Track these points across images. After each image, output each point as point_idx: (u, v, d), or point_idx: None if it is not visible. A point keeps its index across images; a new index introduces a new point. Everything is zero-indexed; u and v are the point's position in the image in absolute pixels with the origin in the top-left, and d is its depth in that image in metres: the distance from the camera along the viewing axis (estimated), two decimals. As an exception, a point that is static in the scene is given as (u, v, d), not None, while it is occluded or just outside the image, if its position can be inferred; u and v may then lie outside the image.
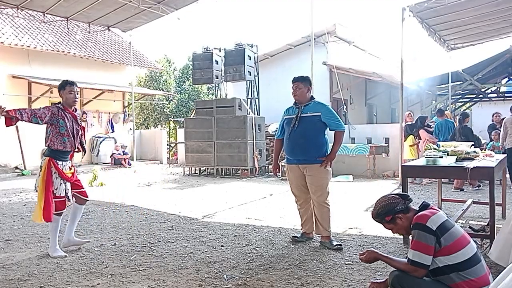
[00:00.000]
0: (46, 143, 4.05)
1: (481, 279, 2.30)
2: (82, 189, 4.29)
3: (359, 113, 16.68)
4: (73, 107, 4.18)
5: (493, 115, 10.22)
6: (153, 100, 21.40)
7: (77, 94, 4.18)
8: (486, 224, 4.59)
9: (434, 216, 2.39)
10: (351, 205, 6.61)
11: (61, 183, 4.03)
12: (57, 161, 4.02)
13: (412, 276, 2.37)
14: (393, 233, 2.66)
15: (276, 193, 8.08)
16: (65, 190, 4.07)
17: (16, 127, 12.83)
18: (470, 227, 4.50)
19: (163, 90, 22.08)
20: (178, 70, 26.19)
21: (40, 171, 4.04)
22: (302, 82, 4.36)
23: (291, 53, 15.19)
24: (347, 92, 15.04)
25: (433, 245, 2.32)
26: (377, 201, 2.64)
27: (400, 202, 2.53)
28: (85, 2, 9.43)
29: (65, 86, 4.09)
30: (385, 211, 2.54)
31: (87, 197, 4.37)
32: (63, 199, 4.04)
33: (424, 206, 2.52)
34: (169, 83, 24.19)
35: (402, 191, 4.34)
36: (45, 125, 4.04)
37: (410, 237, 2.51)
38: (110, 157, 14.69)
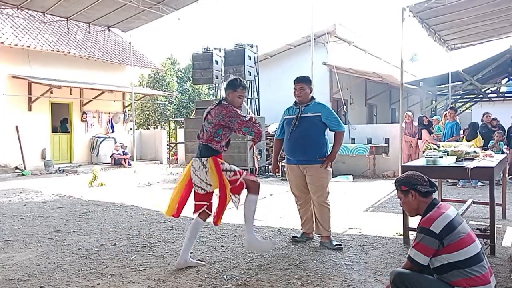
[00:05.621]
0: (211, 144, 3.62)
1: (481, 277, 2.32)
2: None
3: (359, 113, 16.69)
4: None
5: (483, 115, 10.21)
6: (155, 101, 21.39)
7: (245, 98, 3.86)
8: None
9: (439, 218, 2.41)
10: (351, 205, 6.61)
11: (231, 165, 3.72)
12: None
13: (412, 273, 2.41)
14: (401, 205, 2.75)
15: (276, 193, 8.08)
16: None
17: (16, 127, 12.86)
18: (478, 229, 4.51)
19: (165, 91, 22.05)
20: (181, 70, 26.17)
21: (207, 173, 3.66)
22: (306, 83, 4.35)
23: (291, 53, 15.19)
24: (347, 92, 15.04)
25: (434, 248, 2.38)
26: (410, 171, 2.74)
27: (424, 185, 2.57)
28: (85, 2, 9.43)
29: (237, 88, 3.70)
30: (406, 181, 2.62)
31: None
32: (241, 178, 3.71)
33: (433, 204, 2.55)
34: (171, 86, 24.15)
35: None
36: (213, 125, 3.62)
37: (414, 236, 2.54)
38: (110, 157, 14.68)
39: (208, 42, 32.84)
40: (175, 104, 23.97)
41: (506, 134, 9.16)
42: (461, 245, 2.35)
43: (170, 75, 24.21)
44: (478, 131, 9.26)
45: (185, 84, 24.88)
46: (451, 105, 11.51)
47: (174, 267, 3.65)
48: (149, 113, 23.41)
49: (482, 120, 10.14)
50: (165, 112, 23.43)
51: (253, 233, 3.59)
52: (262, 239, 3.50)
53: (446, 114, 10.07)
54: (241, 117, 3.59)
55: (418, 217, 2.62)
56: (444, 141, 8.57)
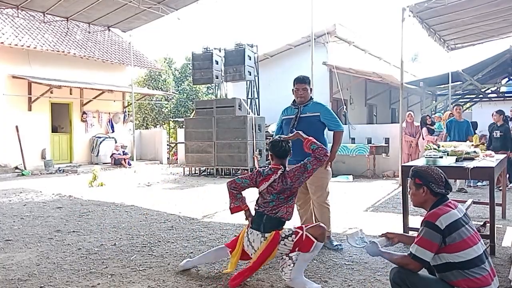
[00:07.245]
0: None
1: (482, 279, 2.31)
2: None
3: (359, 113, 16.69)
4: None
5: (492, 114, 10.17)
6: (152, 100, 21.38)
7: None
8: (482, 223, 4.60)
9: (446, 215, 2.40)
10: (351, 205, 6.61)
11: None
12: None
13: (412, 271, 2.40)
14: (408, 193, 2.74)
15: (276, 193, 8.07)
16: None
17: (16, 127, 12.87)
18: (478, 230, 4.51)
19: (162, 90, 22.03)
20: (177, 69, 26.20)
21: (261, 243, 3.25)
22: (308, 84, 4.35)
23: (291, 53, 15.19)
24: (347, 92, 15.04)
25: (438, 243, 2.35)
26: (431, 167, 2.73)
27: (439, 184, 2.55)
28: (85, 2, 9.44)
29: (278, 151, 3.67)
30: (422, 175, 2.59)
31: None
32: None
33: (441, 201, 2.54)
34: (168, 83, 24.18)
35: (402, 191, 4.35)
36: None
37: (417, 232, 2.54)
38: (110, 157, 14.69)
39: (208, 42, 32.88)
40: (173, 103, 23.98)
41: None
42: (462, 246, 2.33)
43: (166, 71, 24.22)
44: (475, 130, 9.23)
45: (182, 83, 24.91)
46: (458, 102, 11.23)
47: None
48: (147, 112, 23.39)
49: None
50: (162, 110, 23.42)
51: (302, 273, 3.19)
52: (309, 280, 3.17)
53: (452, 112, 9.15)
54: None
55: (418, 218, 2.62)
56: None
